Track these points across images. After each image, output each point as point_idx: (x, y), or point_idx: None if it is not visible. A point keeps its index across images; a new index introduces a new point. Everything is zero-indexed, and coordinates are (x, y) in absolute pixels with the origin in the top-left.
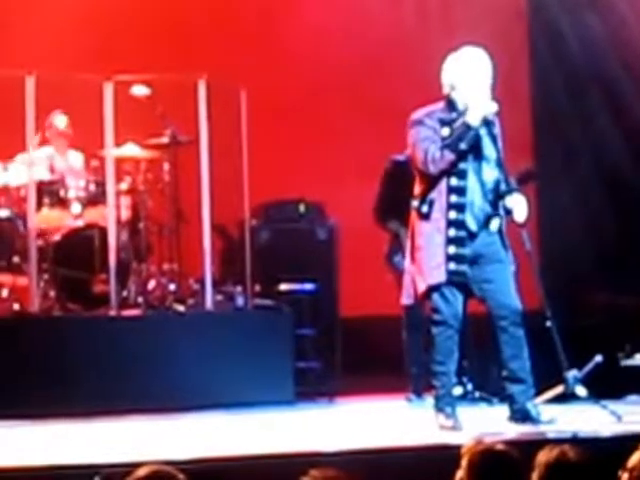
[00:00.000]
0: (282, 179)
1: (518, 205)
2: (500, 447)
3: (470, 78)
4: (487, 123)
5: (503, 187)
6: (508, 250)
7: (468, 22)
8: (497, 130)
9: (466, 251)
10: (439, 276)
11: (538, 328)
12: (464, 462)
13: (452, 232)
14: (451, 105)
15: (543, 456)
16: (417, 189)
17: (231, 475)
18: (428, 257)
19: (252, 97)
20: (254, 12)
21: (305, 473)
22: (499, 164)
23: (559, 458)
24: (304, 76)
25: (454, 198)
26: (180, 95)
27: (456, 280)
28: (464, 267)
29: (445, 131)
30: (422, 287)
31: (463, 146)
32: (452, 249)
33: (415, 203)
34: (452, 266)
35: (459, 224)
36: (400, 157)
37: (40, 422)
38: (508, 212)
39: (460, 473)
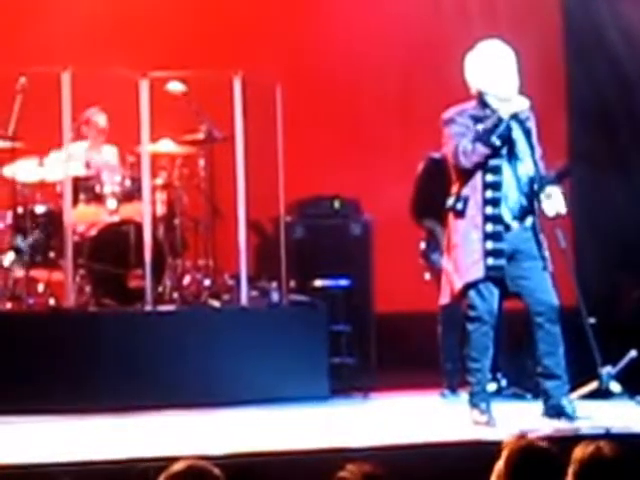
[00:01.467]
0: (317, 175)
1: (553, 198)
2: (541, 443)
3: (493, 71)
4: (521, 121)
5: (538, 182)
6: (542, 247)
7: (505, 20)
8: (532, 125)
9: (504, 246)
10: (477, 272)
11: (572, 324)
12: (504, 455)
13: (489, 227)
14: (482, 102)
15: (579, 452)
16: (453, 188)
17: (266, 470)
18: (465, 254)
19: (287, 93)
20: (290, 9)
21: (340, 468)
22: (534, 159)
23: (594, 454)
24: (340, 72)
25: (489, 193)
26: (216, 91)
27: (494, 275)
28: (502, 262)
29: (479, 127)
30: (459, 285)
31: (495, 139)
32: (490, 244)
33: (450, 201)
34: (490, 261)
35: (496, 219)
36: (437, 155)
37: (75, 417)
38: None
39: (499, 465)
